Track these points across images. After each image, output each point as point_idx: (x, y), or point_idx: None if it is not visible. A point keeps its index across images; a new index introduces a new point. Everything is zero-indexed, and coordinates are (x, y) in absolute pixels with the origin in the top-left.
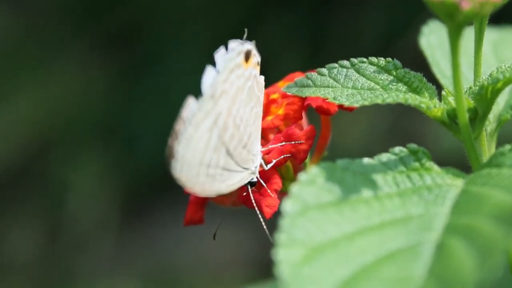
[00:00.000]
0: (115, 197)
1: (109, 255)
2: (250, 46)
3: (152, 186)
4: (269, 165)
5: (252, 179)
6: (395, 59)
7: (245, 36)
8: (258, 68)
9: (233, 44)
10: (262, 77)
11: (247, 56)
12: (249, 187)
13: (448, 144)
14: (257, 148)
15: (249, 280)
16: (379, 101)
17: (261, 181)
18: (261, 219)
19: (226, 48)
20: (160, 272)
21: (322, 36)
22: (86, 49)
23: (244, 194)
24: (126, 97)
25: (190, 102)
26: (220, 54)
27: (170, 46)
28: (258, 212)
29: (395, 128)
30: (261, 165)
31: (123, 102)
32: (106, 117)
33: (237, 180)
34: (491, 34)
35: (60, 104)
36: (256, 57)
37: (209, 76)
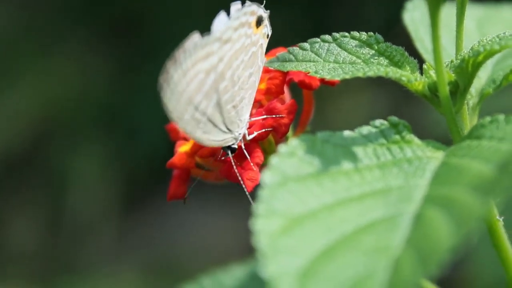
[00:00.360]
0: (116, 186)
1: (110, 245)
2: (264, 13)
3: (154, 176)
4: (251, 136)
5: (233, 144)
6: (376, 33)
7: (263, 3)
8: (266, 40)
9: (250, 3)
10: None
11: (259, 21)
12: (229, 152)
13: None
14: (246, 117)
15: None
16: (360, 74)
17: (245, 152)
18: (246, 193)
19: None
20: (162, 261)
21: (322, 27)
22: (88, 38)
23: (222, 158)
24: (128, 86)
25: (195, 36)
26: (235, 6)
27: (171, 36)
28: (244, 187)
29: (396, 115)
30: (244, 136)
31: (125, 91)
32: (107, 106)
33: (219, 138)
34: (475, 11)
35: (61, 93)
36: (266, 28)
37: (221, 19)
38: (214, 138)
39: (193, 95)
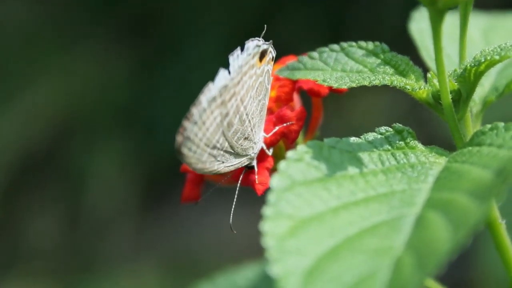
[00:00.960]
0: (135, 182)
1: (129, 240)
2: (266, 46)
3: (172, 172)
4: (271, 150)
5: (250, 163)
6: (383, 43)
7: (263, 32)
8: (272, 63)
9: (250, 44)
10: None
11: (262, 55)
12: (247, 168)
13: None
14: (259, 136)
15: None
16: (366, 83)
17: (255, 161)
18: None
19: (242, 48)
20: (179, 257)
21: (341, 23)
22: (107, 35)
23: (242, 176)
24: (147, 83)
25: (211, 85)
26: (234, 57)
27: (190, 33)
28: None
29: (412, 115)
30: (263, 149)
31: (144, 88)
32: (126, 104)
33: (235, 162)
34: (480, 20)
35: (81, 90)
36: (271, 54)
37: (221, 79)
38: (231, 164)
39: (211, 138)
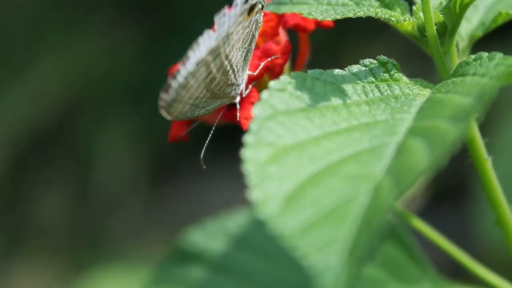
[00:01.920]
0: (143, 160)
1: (138, 217)
2: (255, 0)
3: (180, 150)
4: (247, 91)
5: (232, 102)
6: None
7: None
8: (261, 12)
9: (238, 0)
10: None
11: (251, 9)
12: (230, 106)
13: None
14: (244, 77)
15: None
16: (350, 14)
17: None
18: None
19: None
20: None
21: None
22: (114, 12)
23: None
24: (154, 61)
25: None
26: (220, 16)
27: (198, 9)
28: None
29: (407, 66)
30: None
31: (152, 65)
32: (134, 81)
33: (216, 104)
34: None
35: (88, 67)
36: (260, 5)
37: (206, 42)
38: (213, 106)
39: (194, 92)
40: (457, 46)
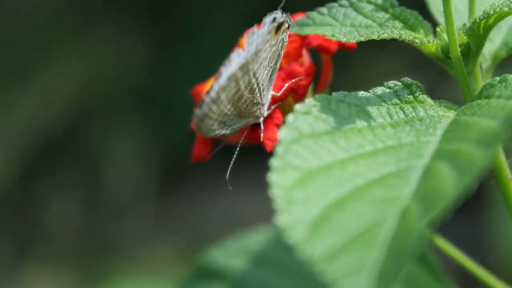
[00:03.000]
0: (153, 166)
1: (147, 224)
2: (282, 19)
3: (189, 153)
4: (269, 112)
5: (256, 122)
6: None
7: (281, 4)
8: (287, 31)
9: (267, 19)
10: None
11: (278, 28)
12: (252, 126)
13: None
14: (268, 97)
15: None
16: (374, 37)
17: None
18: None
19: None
20: (198, 241)
21: None
22: (124, 18)
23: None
24: (164, 66)
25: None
26: (250, 34)
27: (208, 14)
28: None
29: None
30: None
31: (161, 71)
32: (143, 87)
33: (242, 123)
34: None
35: (98, 73)
36: (287, 24)
37: (236, 59)
38: (238, 125)
39: (224, 110)
40: (480, 66)
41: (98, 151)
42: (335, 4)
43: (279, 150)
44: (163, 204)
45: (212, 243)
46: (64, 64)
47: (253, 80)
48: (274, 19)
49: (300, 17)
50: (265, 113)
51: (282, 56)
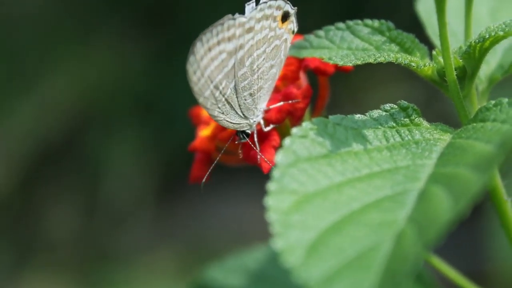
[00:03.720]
0: (152, 174)
1: (146, 230)
2: (291, 10)
3: (189, 164)
4: (268, 128)
5: (247, 129)
6: (388, 21)
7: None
8: (292, 36)
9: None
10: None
11: (285, 16)
12: (242, 136)
13: None
14: (262, 105)
15: None
16: (371, 60)
17: (256, 138)
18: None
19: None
20: (197, 247)
21: (358, 10)
22: (123, 25)
23: (236, 142)
24: (164, 72)
25: (227, 17)
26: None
27: (206, 21)
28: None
29: (430, 106)
30: (260, 124)
31: (161, 78)
32: (143, 94)
33: (234, 121)
34: None
35: (98, 80)
36: (292, 24)
37: (248, 8)
38: (230, 120)
39: (215, 73)
40: (476, 88)
41: (98, 159)
42: (332, 27)
43: (276, 173)
44: (162, 211)
45: (211, 251)
46: (64, 72)
47: (254, 54)
48: (284, 2)
49: (297, 39)
50: (258, 120)
51: (283, 62)
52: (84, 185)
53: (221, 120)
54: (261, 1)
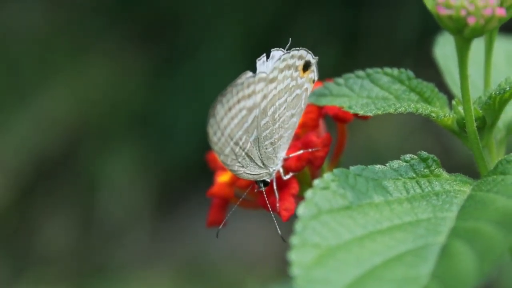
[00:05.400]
0: (149, 189)
1: (142, 246)
2: (312, 59)
3: (186, 178)
4: (287, 176)
5: (266, 178)
6: (408, 70)
7: (288, 44)
8: (312, 85)
9: (300, 48)
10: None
11: (306, 66)
12: (261, 185)
13: None
14: (282, 154)
15: (281, 274)
16: (391, 110)
17: (275, 187)
18: (275, 222)
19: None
20: (193, 264)
21: (356, 30)
22: (122, 40)
23: (256, 191)
24: (161, 89)
25: (247, 74)
26: (279, 52)
27: (205, 38)
28: (273, 215)
29: (428, 125)
30: (279, 172)
31: (158, 93)
32: (140, 109)
33: (254, 172)
34: (505, 44)
35: (95, 95)
36: (313, 74)
37: (263, 62)
38: (250, 172)
39: (234, 130)
40: (494, 137)
41: (94, 173)
42: (352, 75)
43: (298, 227)
44: (158, 227)
45: (207, 267)
46: (61, 86)
47: (277, 104)
48: (303, 54)
49: (317, 87)
50: (277, 169)
51: (303, 112)
52: (80, 200)
53: (240, 173)
54: (283, 52)
